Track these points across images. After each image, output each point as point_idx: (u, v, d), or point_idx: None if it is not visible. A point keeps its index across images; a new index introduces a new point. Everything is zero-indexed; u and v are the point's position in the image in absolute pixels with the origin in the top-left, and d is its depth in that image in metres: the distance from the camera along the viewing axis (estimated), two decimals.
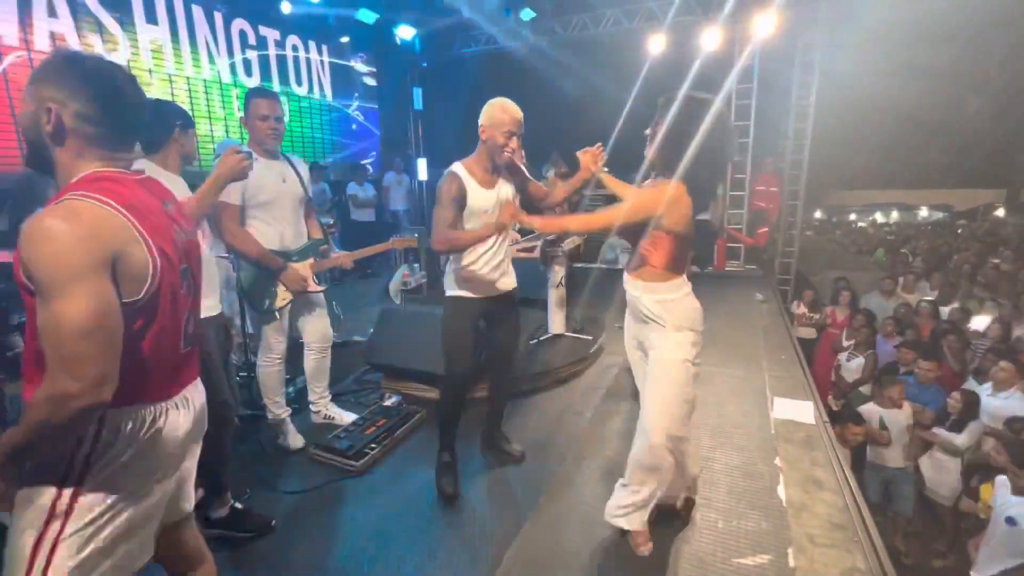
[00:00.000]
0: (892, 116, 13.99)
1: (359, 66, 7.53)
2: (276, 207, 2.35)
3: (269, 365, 2.53)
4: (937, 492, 3.44)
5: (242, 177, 1.83)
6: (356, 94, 7.68)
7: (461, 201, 2.02)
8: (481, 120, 2.03)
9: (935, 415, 3.55)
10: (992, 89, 14.26)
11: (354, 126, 7.70)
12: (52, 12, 4.05)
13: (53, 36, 4.10)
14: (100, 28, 4.38)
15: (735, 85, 6.71)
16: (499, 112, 2.00)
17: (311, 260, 2.51)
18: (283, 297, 2.42)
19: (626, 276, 1.83)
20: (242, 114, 2.31)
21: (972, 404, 3.41)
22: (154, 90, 4.81)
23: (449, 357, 2.22)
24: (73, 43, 4.22)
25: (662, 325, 1.70)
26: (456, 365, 2.22)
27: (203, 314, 1.74)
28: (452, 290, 2.19)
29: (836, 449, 2.58)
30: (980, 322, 4.92)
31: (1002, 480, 2.66)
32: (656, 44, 6.45)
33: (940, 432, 3.42)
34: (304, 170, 2.49)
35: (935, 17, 10.75)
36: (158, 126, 1.82)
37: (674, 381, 1.69)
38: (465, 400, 2.32)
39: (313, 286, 2.52)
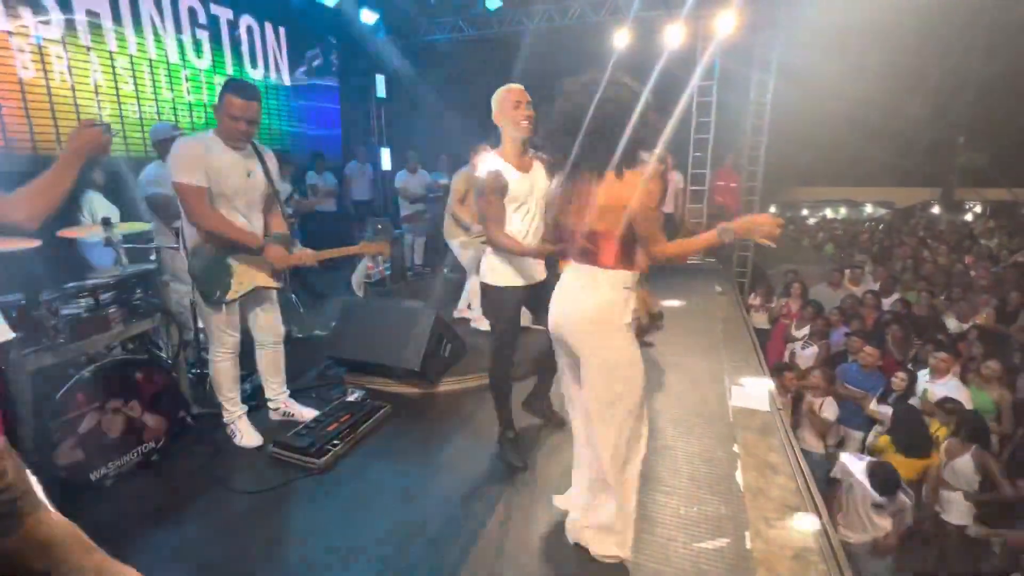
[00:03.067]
0: (841, 115, 14.65)
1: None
2: (236, 200, 2.25)
3: (221, 360, 2.42)
4: None
5: (103, 152, 1.61)
6: (316, 79, 7.41)
7: (502, 191, 2.09)
8: (493, 112, 2.13)
9: (877, 398, 3.80)
10: (927, 91, 15.17)
11: (304, 125, 7.44)
12: None
13: None
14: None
15: (697, 82, 6.87)
16: (502, 93, 2.11)
17: None
18: (236, 290, 2.33)
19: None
20: (216, 102, 2.18)
21: (912, 383, 3.74)
22: (95, 69, 4.48)
23: (499, 340, 2.31)
24: None
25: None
26: (502, 349, 2.31)
27: None
28: (500, 279, 2.22)
29: (790, 434, 2.70)
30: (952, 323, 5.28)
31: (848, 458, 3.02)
32: (621, 38, 6.52)
33: (880, 408, 3.69)
34: (272, 163, 2.39)
35: (879, 21, 11.33)
36: None
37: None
38: (510, 379, 2.41)
39: (272, 282, 2.44)
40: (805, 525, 1.99)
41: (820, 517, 2.04)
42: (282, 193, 5.85)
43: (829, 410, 3.75)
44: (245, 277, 2.35)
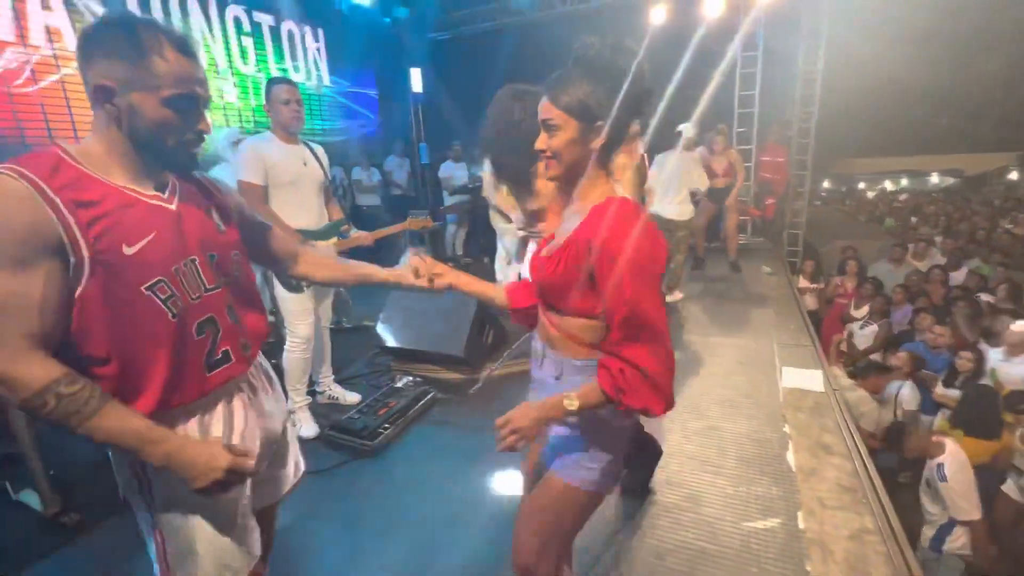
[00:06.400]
0: (902, 82, 13.61)
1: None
2: (298, 188, 2.42)
3: (294, 350, 2.53)
4: None
5: None
6: (353, 77, 7.60)
7: None
8: None
9: (942, 381, 3.56)
10: (1004, 52, 13.85)
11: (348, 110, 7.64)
12: (45, 5, 4.02)
13: (48, 31, 4.08)
14: None
15: (740, 53, 6.56)
16: None
17: (334, 239, 2.58)
18: None
19: None
20: (265, 102, 2.39)
21: (980, 363, 3.44)
22: None
23: None
24: (69, 38, 4.20)
25: None
26: None
27: None
28: None
29: (846, 415, 2.60)
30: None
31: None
32: (658, 13, 6.30)
33: (949, 392, 3.45)
34: (323, 156, 2.56)
35: None
36: None
37: None
38: None
39: None
40: (863, 506, 1.92)
41: (880, 498, 1.96)
42: (337, 187, 6.16)
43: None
44: None
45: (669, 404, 0.99)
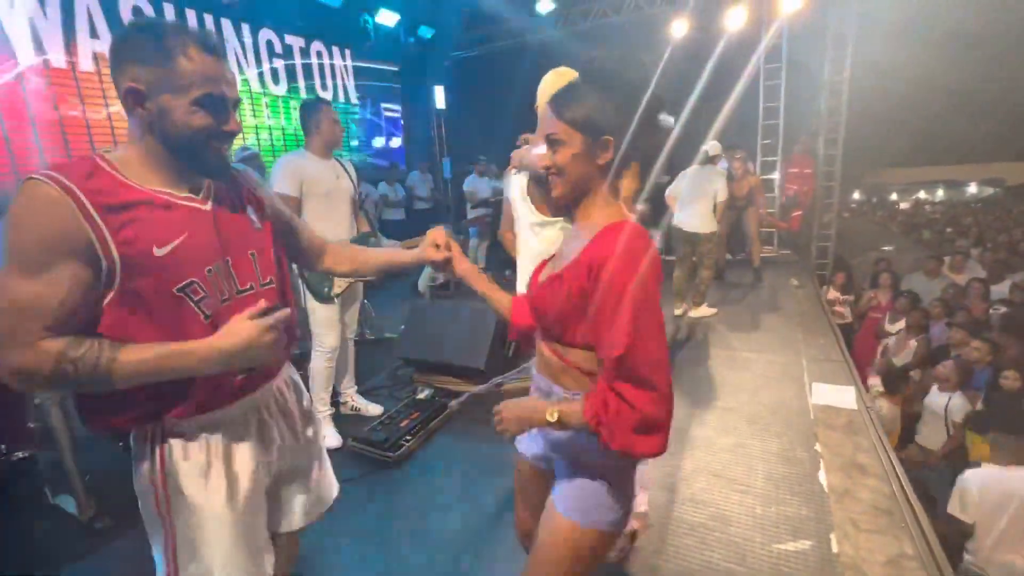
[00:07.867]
0: (939, 87, 13.21)
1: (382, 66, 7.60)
2: (331, 200, 2.51)
3: (320, 360, 2.58)
4: None
5: None
6: (378, 95, 7.80)
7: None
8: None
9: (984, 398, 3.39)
10: None
11: (377, 135, 7.83)
12: (94, 32, 4.26)
13: (96, 57, 4.31)
14: None
15: (763, 65, 6.51)
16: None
17: None
18: (340, 284, 2.53)
19: None
20: (303, 121, 2.50)
21: None
22: None
23: None
24: None
25: None
26: None
27: None
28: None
29: (882, 435, 2.50)
30: None
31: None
32: (679, 28, 6.31)
33: None
34: (353, 171, 2.65)
35: None
36: None
37: None
38: None
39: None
40: (902, 530, 1.83)
41: (920, 522, 1.87)
42: (366, 200, 6.31)
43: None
44: None
45: (660, 449, 0.88)
